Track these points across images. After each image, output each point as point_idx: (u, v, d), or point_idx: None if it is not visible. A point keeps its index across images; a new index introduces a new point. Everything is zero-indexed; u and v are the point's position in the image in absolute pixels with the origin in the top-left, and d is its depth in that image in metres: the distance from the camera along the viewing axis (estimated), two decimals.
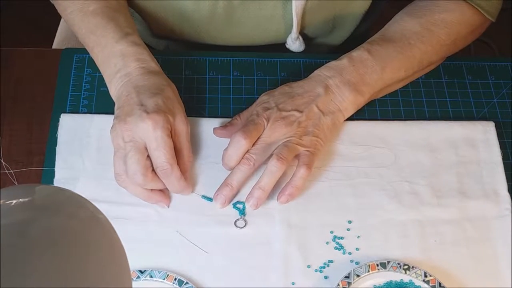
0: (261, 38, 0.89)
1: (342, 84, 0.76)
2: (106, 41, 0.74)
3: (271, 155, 0.72)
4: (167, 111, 0.69)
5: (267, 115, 0.73)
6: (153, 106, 0.68)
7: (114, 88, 0.73)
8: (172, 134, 0.70)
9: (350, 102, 0.76)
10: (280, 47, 0.90)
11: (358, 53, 0.78)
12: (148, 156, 0.68)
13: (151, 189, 0.71)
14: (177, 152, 0.70)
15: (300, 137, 0.73)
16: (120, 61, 0.73)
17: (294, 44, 0.87)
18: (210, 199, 0.73)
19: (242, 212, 0.73)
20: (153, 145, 0.67)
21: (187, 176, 0.72)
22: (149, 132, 0.67)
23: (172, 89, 0.73)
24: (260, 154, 0.72)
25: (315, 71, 0.78)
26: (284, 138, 0.73)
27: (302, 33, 0.87)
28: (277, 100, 0.75)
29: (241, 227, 0.72)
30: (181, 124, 0.71)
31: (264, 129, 0.73)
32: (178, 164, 0.69)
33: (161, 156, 0.68)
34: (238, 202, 0.73)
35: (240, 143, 0.71)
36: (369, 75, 0.77)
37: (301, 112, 0.74)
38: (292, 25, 0.84)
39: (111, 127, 0.70)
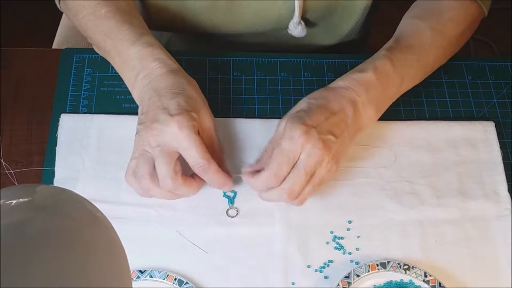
0: (262, 24, 0.89)
1: (368, 103, 0.72)
2: (122, 44, 0.74)
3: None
4: (190, 110, 0.68)
5: (306, 139, 0.67)
6: (176, 107, 0.67)
7: (137, 92, 0.73)
8: (199, 131, 0.69)
9: (371, 120, 0.74)
10: (281, 35, 0.90)
11: (381, 64, 0.74)
12: (177, 160, 0.67)
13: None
14: (208, 148, 0.69)
15: (330, 169, 0.69)
16: (138, 64, 0.72)
17: (296, 29, 0.86)
18: (230, 199, 0.73)
19: (231, 201, 0.73)
20: (184, 146, 0.66)
21: (224, 168, 0.71)
22: (177, 135, 0.66)
23: (193, 86, 0.72)
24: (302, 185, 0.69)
25: (342, 83, 0.73)
26: (319, 168, 0.68)
27: (303, 18, 0.87)
28: (314, 117, 0.69)
29: (233, 216, 0.72)
30: (206, 120, 0.70)
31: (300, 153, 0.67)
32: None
33: (195, 153, 0.66)
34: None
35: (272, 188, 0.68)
36: (389, 88, 0.75)
37: (336, 137, 0.69)
38: (293, 10, 0.84)
39: (136, 133, 0.69)
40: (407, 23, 0.80)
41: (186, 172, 0.69)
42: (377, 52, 0.77)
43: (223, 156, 0.72)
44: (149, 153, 0.67)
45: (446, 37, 0.79)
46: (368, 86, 0.72)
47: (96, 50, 0.81)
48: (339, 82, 0.73)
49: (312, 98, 0.71)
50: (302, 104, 0.71)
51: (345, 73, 0.75)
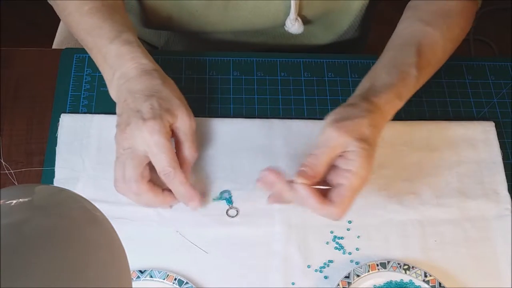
0: (260, 21, 0.89)
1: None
2: (101, 42, 0.73)
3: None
4: (163, 113, 0.68)
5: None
6: (148, 110, 0.67)
7: (114, 91, 0.73)
8: (176, 133, 0.69)
9: None
10: (279, 33, 0.90)
11: (391, 105, 0.71)
12: (146, 166, 0.68)
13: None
14: (180, 148, 0.70)
15: None
16: (115, 62, 0.72)
17: (293, 26, 0.86)
18: (227, 200, 0.73)
19: (230, 201, 0.73)
20: (154, 151, 0.67)
21: (192, 169, 0.71)
22: (147, 140, 0.66)
23: (168, 86, 0.71)
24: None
25: (364, 103, 0.70)
26: None
27: (300, 15, 0.87)
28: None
29: (233, 216, 0.72)
30: (182, 121, 0.69)
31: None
32: (180, 159, 0.69)
33: (162, 160, 0.67)
34: (224, 191, 0.73)
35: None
36: (391, 116, 0.73)
37: None
38: (290, 7, 0.84)
39: (114, 135, 0.70)
40: (420, 30, 0.77)
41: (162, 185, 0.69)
42: (406, 68, 0.73)
43: (192, 158, 0.71)
44: (123, 157, 0.68)
45: (453, 46, 0.79)
46: (383, 126, 0.71)
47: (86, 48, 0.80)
48: (374, 118, 0.69)
49: (373, 125, 0.68)
50: (366, 128, 0.67)
51: (344, 72, 0.75)
